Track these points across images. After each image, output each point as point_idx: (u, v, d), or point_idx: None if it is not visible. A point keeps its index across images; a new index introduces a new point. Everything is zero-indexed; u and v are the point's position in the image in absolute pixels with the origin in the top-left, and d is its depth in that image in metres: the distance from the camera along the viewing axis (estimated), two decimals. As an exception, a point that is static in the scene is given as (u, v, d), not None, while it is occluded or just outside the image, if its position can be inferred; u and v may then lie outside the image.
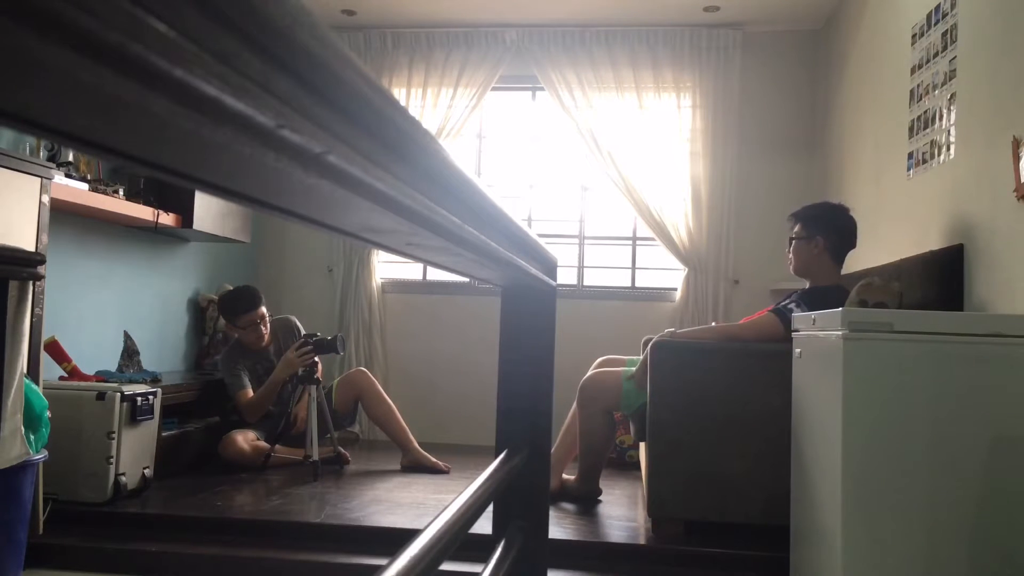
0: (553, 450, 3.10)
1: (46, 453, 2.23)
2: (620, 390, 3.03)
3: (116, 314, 3.63)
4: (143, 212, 3.40)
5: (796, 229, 2.84)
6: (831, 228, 2.79)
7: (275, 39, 0.28)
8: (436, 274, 4.77)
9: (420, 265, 4.63)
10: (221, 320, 4.27)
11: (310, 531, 2.65)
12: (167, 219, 3.55)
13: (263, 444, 3.54)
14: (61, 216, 2.95)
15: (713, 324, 3.49)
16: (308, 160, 0.33)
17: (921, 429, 1.78)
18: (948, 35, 2.66)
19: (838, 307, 1.93)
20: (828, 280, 2.78)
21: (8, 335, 2.09)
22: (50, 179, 2.53)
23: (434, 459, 3.70)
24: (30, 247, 2.37)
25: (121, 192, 3.31)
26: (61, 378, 2.99)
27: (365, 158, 0.39)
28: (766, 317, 2.77)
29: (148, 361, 3.70)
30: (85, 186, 3.07)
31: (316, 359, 3.55)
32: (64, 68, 0.21)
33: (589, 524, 2.83)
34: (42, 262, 2.26)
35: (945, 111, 2.67)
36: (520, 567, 1.25)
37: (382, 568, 0.63)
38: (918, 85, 2.91)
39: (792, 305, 2.71)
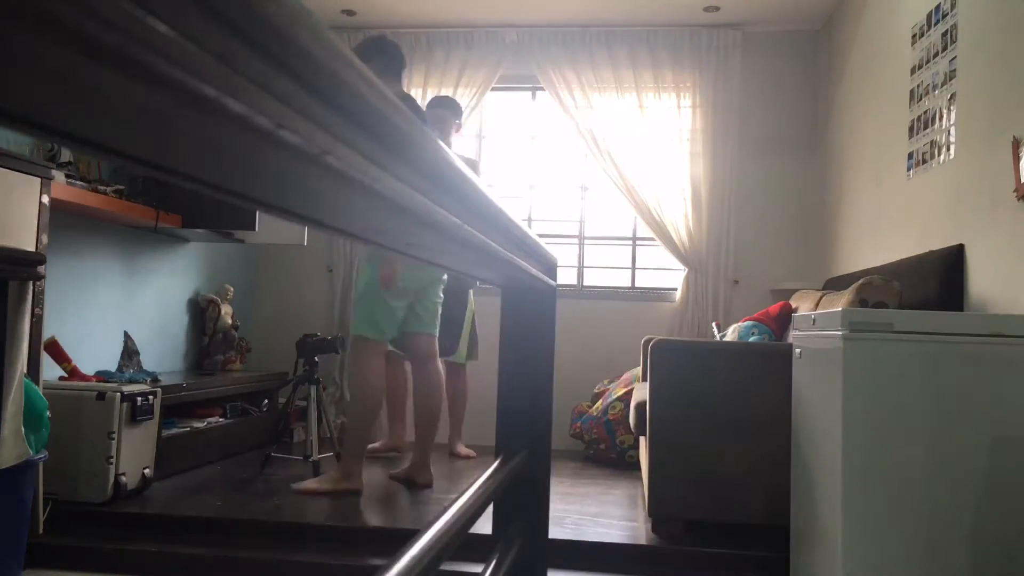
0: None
1: (46, 453, 2.23)
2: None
3: (116, 314, 3.63)
4: (143, 212, 3.39)
5: None
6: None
7: (275, 39, 0.28)
8: (436, 274, 4.76)
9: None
10: (221, 320, 4.27)
11: (310, 531, 2.64)
12: (167, 219, 3.55)
13: None
14: (61, 216, 2.95)
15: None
16: (308, 160, 0.33)
17: (921, 429, 1.79)
18: (948, 35, 2.66)
19: None
20: None
21: (8, 335, 2.09)
22: (50, 179, 2.52)
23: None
24: (30, 247, 2.37)
25: (121, 192, 3.31)
26: (61, 378, 2.99)
27: (365, 158, 0.39)
28: None
29: (148, 361, 3.69)
30: (85, 186, 3.07)
31: (316, 359, 3.55)
32: (64, 68, 0.21)
33: (589, 524, 2.83)
34: (42, 262, 2.26)
35: (945, 111, 2.67)
36: (520, 567, 1.25)
37: (382, 568, 0.63)
38: (918, 85, 2.91)
39: None
